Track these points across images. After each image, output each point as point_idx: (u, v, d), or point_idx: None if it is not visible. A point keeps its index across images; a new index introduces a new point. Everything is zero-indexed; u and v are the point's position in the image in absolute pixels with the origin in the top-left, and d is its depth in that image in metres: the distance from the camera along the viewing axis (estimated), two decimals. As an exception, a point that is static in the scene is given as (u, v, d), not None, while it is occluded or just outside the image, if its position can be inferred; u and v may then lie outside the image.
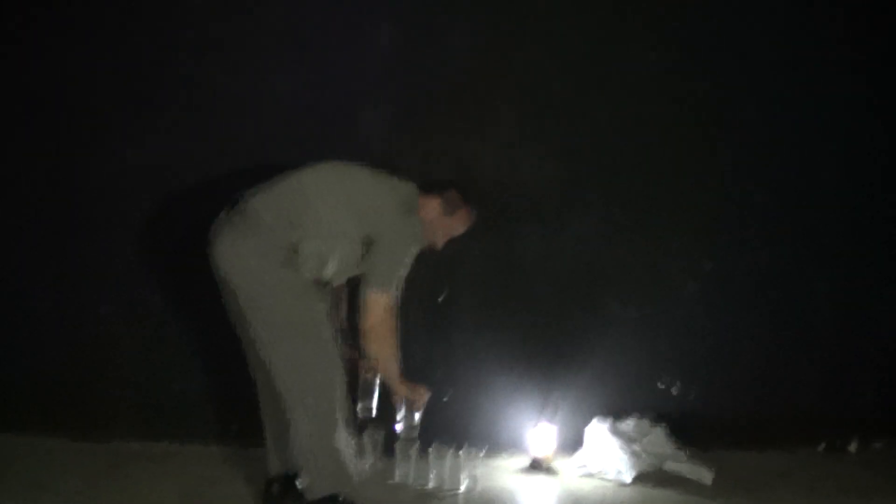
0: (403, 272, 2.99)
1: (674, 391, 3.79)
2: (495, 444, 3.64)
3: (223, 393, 3.64)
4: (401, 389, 3.14)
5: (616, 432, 3.58)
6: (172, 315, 3.64)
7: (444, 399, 3.55)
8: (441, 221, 3.14)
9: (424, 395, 3.19)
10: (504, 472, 3.52)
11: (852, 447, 3.87)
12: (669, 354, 3.80)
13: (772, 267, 3.83)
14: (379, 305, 2.94)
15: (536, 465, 3.55)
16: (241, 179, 3.04)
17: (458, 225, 3.19)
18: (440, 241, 3.17)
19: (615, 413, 3.68)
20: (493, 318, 3.62)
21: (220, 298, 3.53)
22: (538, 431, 3.55)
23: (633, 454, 3.49)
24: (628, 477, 3.44)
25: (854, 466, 3.74)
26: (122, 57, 3.59)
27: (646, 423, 3.65)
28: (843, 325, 3.88)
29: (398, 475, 3.34)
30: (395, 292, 2.98)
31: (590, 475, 3.51)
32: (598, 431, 3.59)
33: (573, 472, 3.54)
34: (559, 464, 3.59)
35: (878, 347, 3.90)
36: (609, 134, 3.72)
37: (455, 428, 3.52)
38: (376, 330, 2.96)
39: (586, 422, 3.65)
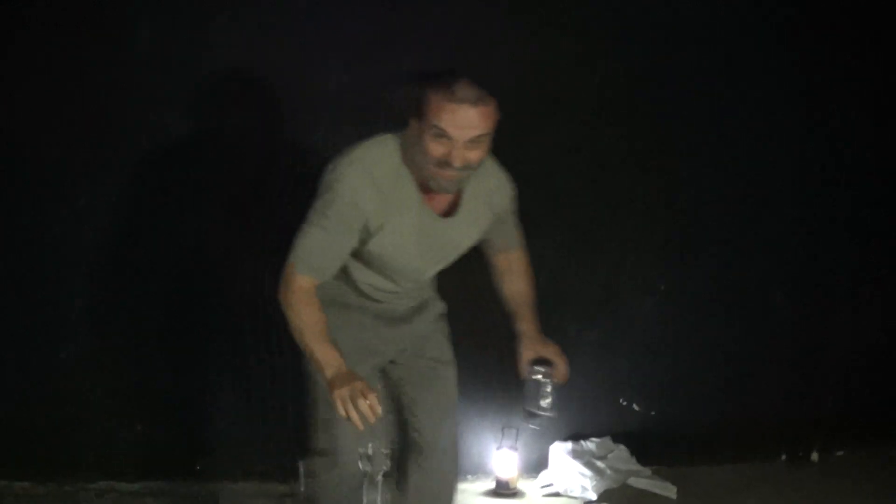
0: None
1: (635, 407, 3.82)
2: (459, 469, 3.65)
3: (187, 431, 3.65)
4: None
5: (579, 451, 3.62)
6: (133, 353, 3.65)
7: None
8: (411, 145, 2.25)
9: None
10: (470, 495, 3.54)
11: (814, 456, 3.92)
12: (628, 373, 3.82)
13: (726, 281, 3.86)
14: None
15: (502, 488, 3.57)
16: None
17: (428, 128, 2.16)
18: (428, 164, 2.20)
19: (578, 434, 3.72)
20: (453, 343, 3.65)
21: (178, 335, 3.60)
22: (502, 454, 3.58)
23: (598, 472, 3.53)
24: (593, 494, 3.48)
25: (816, 476, 3.79)
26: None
27: (608, 441, 3.70)
28: (800, 335, 3.93)
29: (366, 503, 3.35)
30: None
31: (555, 494, 3.55)
32: (562, 451, 3.63)
33: (538, 493, 3.57)
34: (524, 485, 3.61)
35: (835, 356, 3.94)
36: (558, 155, 3.77)
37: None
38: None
39: (549, 443, 3.68)
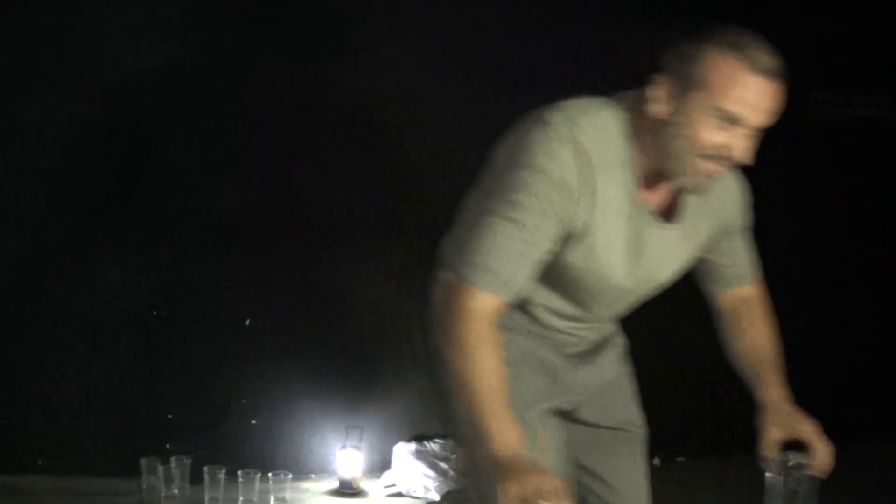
0: None
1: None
2: (302, 468, 3.69)
3: (28, 425, 3.60)
4: None
5: (423, 452, 3.67)
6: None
7: (253, 422, 3.59)
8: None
9: None
10: (313, 494, 3.57)
11: (656, 461, 4.04)
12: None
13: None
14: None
15: (345, 487, 3.61)
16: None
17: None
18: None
19: (422, 434, 3.77)
20: (298, 343, 3.69)
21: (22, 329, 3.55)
22: (345, 454, 3.62)
23: (441, 472, 3.59)
24: (436, 494, 3.54)
25: (657, 483, 3.88)
26: None
27: (451, 442, 3.76)
28: (642, 345, 4.05)
29: (207, 501, 3.35)
30: None
31: (398, 495, 3.60)
32: (405, 452, 3.68)
33: (381, 493, 3.62)
34: (367, 485, 3.65)
35: (671, 367, 4.06)
36: None
37: (262, 453, 3.57)
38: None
39: (393, 443, 3.73)
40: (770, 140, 1.59)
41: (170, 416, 3.62)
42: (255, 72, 3.66)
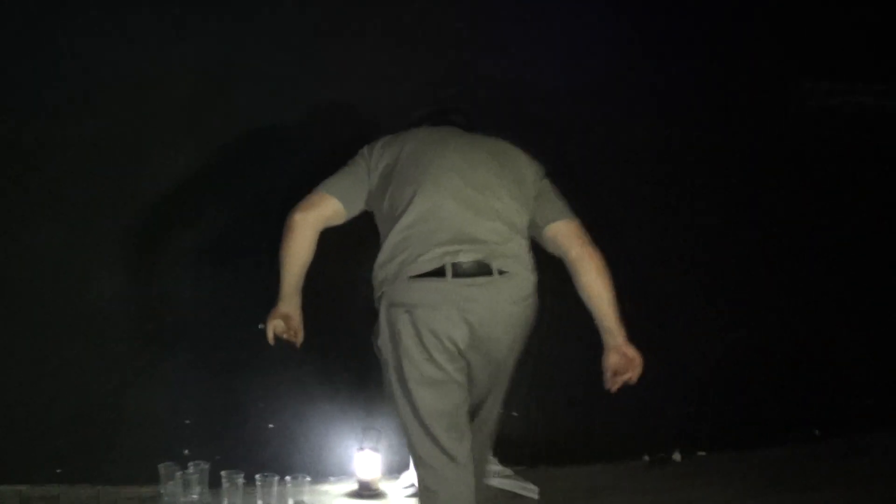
0: None
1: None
2: (321, 471, 3.68)
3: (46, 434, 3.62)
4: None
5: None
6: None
7: (270, 426, 3.58)
8: None
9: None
10: (332, 497, 3.56)
11: (676, 457, 4.01)
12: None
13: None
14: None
15: (364, 489, 3.59)
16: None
17: None
18: None
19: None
20: (313, 346, 3.67)
21: (31, 337, 3.56)
22: (363, 455, 3.61)
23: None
24: (455, 494, 3.51)
25: (677, 477, 3.88)
26: None
27: (470, 441, 3.74)
28: (654, 340, 3.99)
29: (227, 505, 3.36)
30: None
31: (415, 496, 3.57)
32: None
33: (400, 493, 3.60)
34: (386, 486, 3.64)
35: (692, 362, 4.05)
36: (551, 161, 3.81)
37: (280, 456, 3.57)
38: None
39: (412, 445, 3.71)
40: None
41: (187, 422, 3.61)
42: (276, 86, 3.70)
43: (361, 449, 3.61)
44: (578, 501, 3.57)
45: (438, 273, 2.43)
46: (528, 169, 2.69)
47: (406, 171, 2.58)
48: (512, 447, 3.75)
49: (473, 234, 2.47)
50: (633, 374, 2.58)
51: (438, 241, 2.45)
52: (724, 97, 4.02)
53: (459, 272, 2.43)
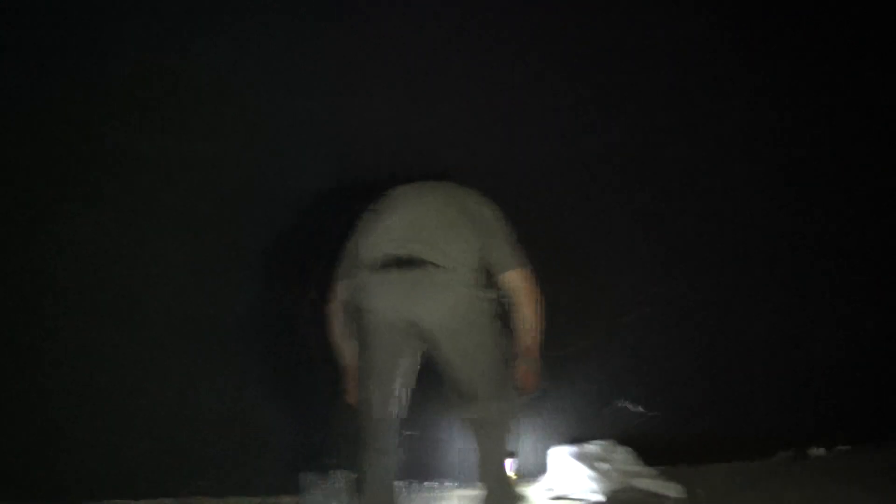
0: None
1: (630, 408, 3.82)
2: (458, 476, 3.66)
3: (191, 448, 3.66)
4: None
5: (580, 455, 3.61)
6: (127, 374, 3.67)
7: (408, 433, 3.54)
8: None
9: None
10: (470, 501, 3.53)
11: (814, 452, 3.91)
12: (625, 379, 3.85)
13: (718, 286, 3.91)
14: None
15: (505, 493, 3.55)
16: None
17: None
18: None
19: (578, 437, 3.73)
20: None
21: (174, 354, 3.60)
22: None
23: (602, 474, 3.52)
24: (598, 496, 3.46)
25: (818, 473, 3.77)
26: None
27: (611, 443, 3.69)
28: (796, 337, 3.95)
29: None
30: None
31: (558, 498, 3.53)
32: (562, 455, 3.62)
33: (541, 497, 3.56)
34: (526, 490, 3.60)
35: (832, 357, 3.97)
36: (552, 165, 3.82)
37: (418, 463, 3.57)
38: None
39: (546, 448, 3.70)
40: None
41: (328, 432, 3.62)
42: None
43: (503, 454, 3.57)
44: (720, 500, 3.49)
45: None
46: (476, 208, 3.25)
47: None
48: (650, 449, 3.70)
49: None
50: (528, 386, 3.20)
51: None
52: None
53: None
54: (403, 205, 3.21)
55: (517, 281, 3.17)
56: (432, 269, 3.01)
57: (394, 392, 3.12)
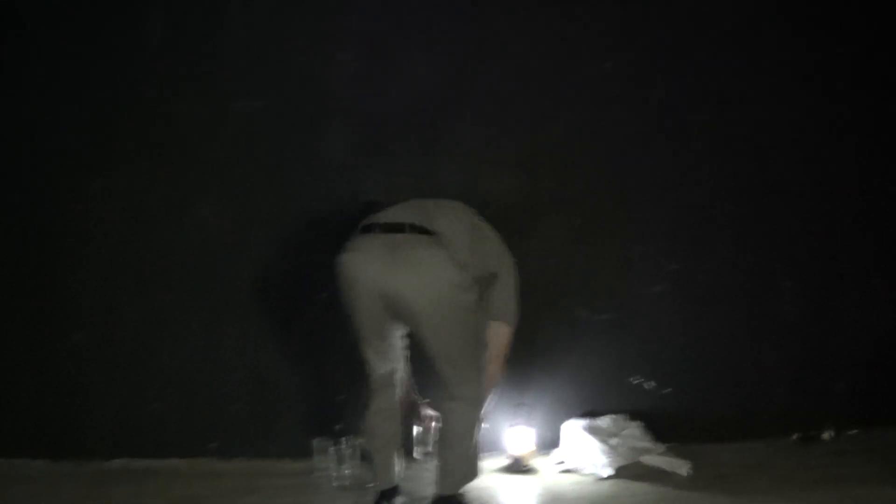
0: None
1: (646, 386, 3.83)
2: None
3: (202, 410, 3.68)
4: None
5: (592, 429, 3.62)
6: (148, 335, 3.69)
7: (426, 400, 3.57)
8: None
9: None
10: (484, 471, 3.55)
11: (825, 435, 3.92)
12: (639, 355, 3.85)
13: (736, 265, 3.90)
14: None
15: (516, 465, 3.58)
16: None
17: None
18: None
19: (590, 412, 3.74)
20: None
21: (193, 317, 3.63)
22: (516, 432, 3.59)
23: (611, 448, 3.53)
24: (607, 471, 3.48)
25: (828, 455, 3.78)
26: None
27: (622, 418, 3.71)
28: (810, 319, 3.94)
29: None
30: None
31: (568, 471, 3.55)
32: (574, 428, 3.63)
33: (552, 470, 3.58)
34: (538, 462, 3.62)
35: (846, 340, 3.95)
36: (570, 141, 3.81)
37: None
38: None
39: (560, 421, 3.70)
40: None
41: (340, 398, 3.65)
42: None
43: (513, 425, 3.59)
44: (729, 478, 3.50)
45: None
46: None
47: None
48: (661, 424, 3.72)
49: None
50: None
51: None
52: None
53: None
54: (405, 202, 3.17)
55: (499, 336, 3.20)
56: (415, 235, 2.95)
57: (388, 349, 3.09)
